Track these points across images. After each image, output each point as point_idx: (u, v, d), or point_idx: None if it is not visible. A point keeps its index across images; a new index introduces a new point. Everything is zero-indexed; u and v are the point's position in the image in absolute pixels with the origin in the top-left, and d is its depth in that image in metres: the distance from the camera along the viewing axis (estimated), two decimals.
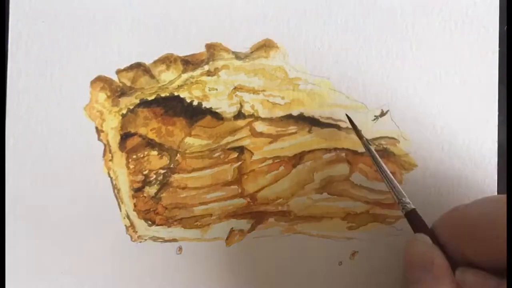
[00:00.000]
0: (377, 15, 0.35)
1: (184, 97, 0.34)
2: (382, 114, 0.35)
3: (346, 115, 0.34)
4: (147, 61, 0.34)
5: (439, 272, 0.27)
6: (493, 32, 0.35)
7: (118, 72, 0.34)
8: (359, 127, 0.35)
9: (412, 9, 0.35)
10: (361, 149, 0.35)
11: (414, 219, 0.30)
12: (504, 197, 0.27)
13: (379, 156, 0.34)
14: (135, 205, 0.34)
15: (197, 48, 0.34)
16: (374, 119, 0.35)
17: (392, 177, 0.31)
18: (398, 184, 0.31)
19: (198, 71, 0.34)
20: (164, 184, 0.34)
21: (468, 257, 0.27)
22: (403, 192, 0.31)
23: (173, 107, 0.34)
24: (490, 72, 0.35)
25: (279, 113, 0.35)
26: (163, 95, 0.34)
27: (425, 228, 0.29)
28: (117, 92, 0.34)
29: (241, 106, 0.34)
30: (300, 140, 0.35)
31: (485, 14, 0.35)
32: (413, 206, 0.30)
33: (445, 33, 0.35)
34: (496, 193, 0.34)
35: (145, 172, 0.34)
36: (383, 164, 0.32)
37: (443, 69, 0.35)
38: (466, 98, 0.35)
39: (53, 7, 0.34)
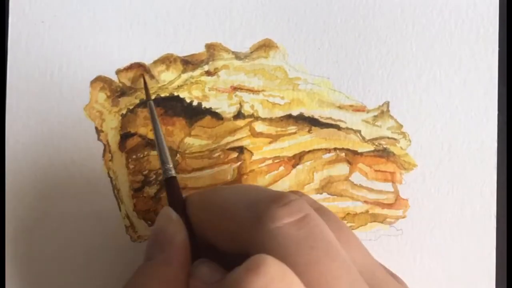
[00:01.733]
0: (377, 15, 0.35)
1: (184, 97, 0.34)
2: (382, 113, 0.35)
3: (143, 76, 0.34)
4: (147, 61, 0.34)
5: (173, 254, 0.25)
6: (493, 32, 0.35)
7: (118, 72, 0.34)
8: (359, 127, 0.35)
9: (412, 9, 0.35)
10: (361, 149, 0.35)
11: (171, 187, 0.29)
12: (250, 187, 0.26)
13: (379, 155, 0.35)
14: (135, 205, 0.34)
15: (197, 48, 0.34)
16: (374, 119, 0.35)
17: (163, 141, 0.30)
18: (167, 150, 0.30)
19: (198, 71, 0.34)
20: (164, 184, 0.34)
21: (211, 241, 0.26)
22: (169, 159, 0.30)
23: (173, 107, 0.34)
24: (490, 72, 0.35)
25: (279, 113, 0.35)
26: (162, 95, 0.34)
27: (179, 199, 0.28)
28: (117, 92, 0.34)
29: (241, 106, 0.34)
30: (300, 140, 0.35)
31: (485, 14, 0.35)
32: (174, 174, 0.29)
33: (445, 33, 0.35)
34: (495, 193, 0.34)
35: (145, 172, 0.34)
36: (159, 126, 0.31)
37: (443, 69, 0.35)
38: (466, 98, 0.35)
39: (53, 7, 0.34)
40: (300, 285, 0.20)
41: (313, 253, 0.22)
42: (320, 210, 0.26)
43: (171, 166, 0.30)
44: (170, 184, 0.29)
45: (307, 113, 0.35)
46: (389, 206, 0.35)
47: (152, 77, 0.34)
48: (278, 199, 0.23)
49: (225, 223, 0.25)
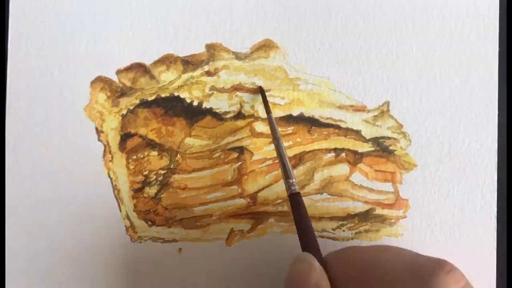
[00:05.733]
0: (377, 15, 0.35)
1: (184, 98, 0.34)
2: (382, 113, 0.35)
3: (260, 87, 0.34)
4: (147, 61, 0.34)
5: None
6: (493, 32, 0.35)
7: (118, 72, 0.34)
8: (360, 127, 0.35)
9: (412, 9, 0.35)
10: (362, 149, 0.35)
11: (295, 202, 0.30)
12: (398, 249, 0.27)
13: (379, 155, 0.35)
14: (135, 206, 0.34)
15: (197, 48, 0.34)
16: (374, 119, 0.35)
17: (286, 156, 0.31)
18: (289, 164, 0.31)
19: (198, 72, 0.34)
20: (164, 185, 0.34)
21: None
22: (293, 174, 0.31)
23: (173, 108, 0.34)
24: (490, 72, 0.35)
25: (279, 113, 0.35)
26: (163, 95, 0.34)
27: (305, 214, 0.29)
28: (117, 92, 0.34)
29: (241, 106, 0.34)
30: (300, 140, 0.35)
31: (485, 14, 0.35)
32: (298, 190, 0.30)
33: (445, 33, 0.35)
34: (495, 193, 0.34)
35: (145, 173, 0.34)
36: (281, 141, 0.32)
37: (443, 69, 0.35)
38: (466, 98, 0.35)
39: (53, 7, 0.34)
40: None
41: None
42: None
43: (294, 181, 0.30)
44: (294, 200, 0.30)
45: (307, 113, 0.35)
46: (390, 206, 0.35)
47: (152, 77, 0.34)
48: (443, 265, 0.25)
49: (379, 283, 0.25)
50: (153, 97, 0.34)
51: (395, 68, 0.35)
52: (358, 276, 0.26)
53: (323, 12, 0.35)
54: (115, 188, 0.34)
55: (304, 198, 0.34)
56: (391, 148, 0.35)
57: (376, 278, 0.26)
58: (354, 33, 0.35)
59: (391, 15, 0.35)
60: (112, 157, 0.34)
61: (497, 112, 0.35)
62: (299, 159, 0.35)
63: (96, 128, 0.34)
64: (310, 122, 0.35)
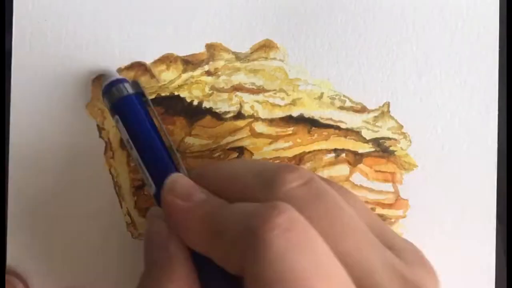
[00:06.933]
0: (377, 15, 0.35)
1: (184, 97, 0.35)
2: (382, 114, 0.35)
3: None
4: (147, 60, 0.34)
5: (175, 251, 0.27)
6: (493, 32, 0.35)
7: (119, 71, 0.34)
8: (359, 127, 0.35)
9: (412, 9, 0.35)
10: (362, 149, 0.35)
11: None
12: (252, 160, 0.28)
13: (379, 156, 0.35)
14: (136, 203, 0.34)
15: (197, 48, 0.35)
16: (374, 120, 0.35)
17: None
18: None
19: (198, 71, 0.35)
20: None
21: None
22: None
23: (173, 107, 0.35)
24: (490, 72, 0.34)
25: (279, 113, 0.35)
26: (163, 94, 0.35)
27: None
28: None
29: (241, 106, 0.35)
30: (300, 140, 0.35)
31: (485, 14, 0.35)
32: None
33: (445, 33, 0.35)
34: (495, 193, 0.34)
35: None
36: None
37: (443, 69, 0.35)
38: (466, 98, 0.35)
39: (56, 7, 0.34)
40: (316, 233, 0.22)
41: (322, 206, 0.24)
42: (324, 179, 0.27)
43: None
44: None
45: (307, 114, 0.35)
46: (389, 206, 0.35)
47: (152, 76, 0.35)
48: (286, 166, 0.26)
49: (232, 193, 0.26)
50: (153, 96, 0.34)
51: (395, 69, 0.35)
52: (216, 190, 0.27)
53: (323, 12, 0.35)
54: (116, 185, 0.34)
55: None
56: (391, 148, 0.35)
57: (229, 188, 0.26)
58: (354, 33, 0.35)
59: (391, 15, 0.35)
60: (113, 154, 0.34)
61: (497, 112, 0.34)
62: (299, 159, 0.35)
63: (98, 126, 0.34)
64: (310, 123, 0.35)
